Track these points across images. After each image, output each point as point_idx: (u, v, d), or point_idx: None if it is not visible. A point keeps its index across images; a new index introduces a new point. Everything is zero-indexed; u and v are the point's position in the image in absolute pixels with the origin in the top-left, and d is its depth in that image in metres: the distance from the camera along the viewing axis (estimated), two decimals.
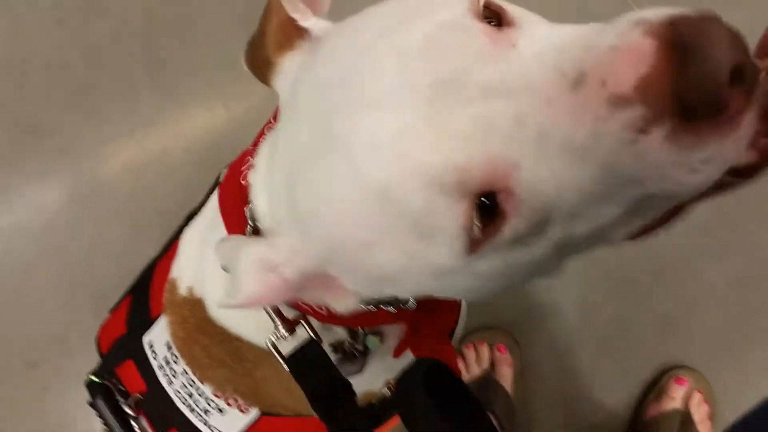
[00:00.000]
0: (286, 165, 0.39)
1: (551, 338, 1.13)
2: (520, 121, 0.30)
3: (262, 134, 0.49)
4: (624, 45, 0.28)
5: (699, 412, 1.06)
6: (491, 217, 0.32)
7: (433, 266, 0.34)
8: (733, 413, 1.12)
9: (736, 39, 0.27)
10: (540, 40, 0.32)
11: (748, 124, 0.28)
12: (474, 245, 0.32)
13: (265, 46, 0.43)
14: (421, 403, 0.40)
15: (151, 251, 0.64)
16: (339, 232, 0.35)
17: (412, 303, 0.49)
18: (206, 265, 0.52)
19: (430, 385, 0.40)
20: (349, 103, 0.33)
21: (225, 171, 0.52)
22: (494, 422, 1.01)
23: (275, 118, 0.47)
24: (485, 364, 1.08)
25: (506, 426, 1.03)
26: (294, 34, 0.42)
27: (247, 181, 0.46)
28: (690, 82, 0.26)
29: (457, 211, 0.31)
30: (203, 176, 0.59)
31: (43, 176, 1.19)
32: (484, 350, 1.09)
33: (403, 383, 0.43)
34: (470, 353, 1.09)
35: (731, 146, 0.28)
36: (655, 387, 1.09)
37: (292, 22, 0.42)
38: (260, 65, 0.44)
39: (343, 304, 0.42)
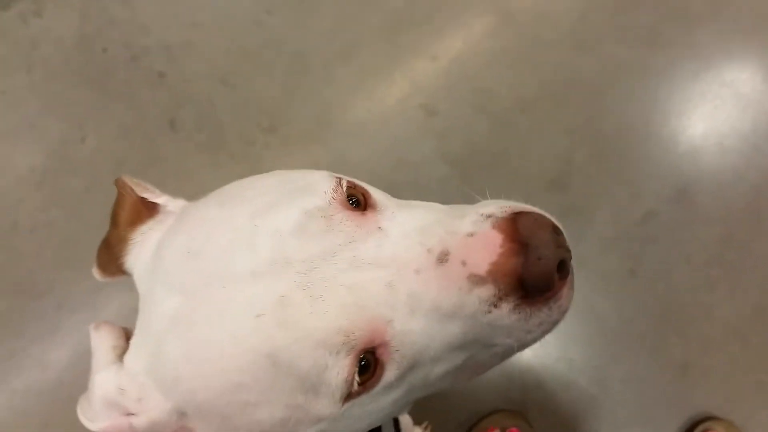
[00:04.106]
0: (153, 330, 0.38)
1: (566, 411, 1.09)
2: (391, 286, 0.35)
3: None
4: (479, 234, 0.36)
5: None
6: (369, 368, 0.36)
7: (312, 416, 0.36)
8: None
9: (560, 238, 0.36)
10: (403, 222, 0.38)
11: (565, 295, 0.37)
12: (353, 394, 0.36)
13: (119, 227, 0.44)
14: None
15: None
16: (216, 395, 0.35)
17: None
18: None
19: None
20: (227, 274, 0.35)
21: None
22: None
23: None
24: None
25: None
26: (145, 212, 0.44)
27: None
28: (530, 272, 0.34)
29: (342, 367, 0.34)
30: None
31: (45, 336, 1.23)
32: None
33: None
34: None
35: (555, 313, 0.37)
36: None
37: (142, 201, 0.44)
38: (113, 255, 0.44)
39: None
